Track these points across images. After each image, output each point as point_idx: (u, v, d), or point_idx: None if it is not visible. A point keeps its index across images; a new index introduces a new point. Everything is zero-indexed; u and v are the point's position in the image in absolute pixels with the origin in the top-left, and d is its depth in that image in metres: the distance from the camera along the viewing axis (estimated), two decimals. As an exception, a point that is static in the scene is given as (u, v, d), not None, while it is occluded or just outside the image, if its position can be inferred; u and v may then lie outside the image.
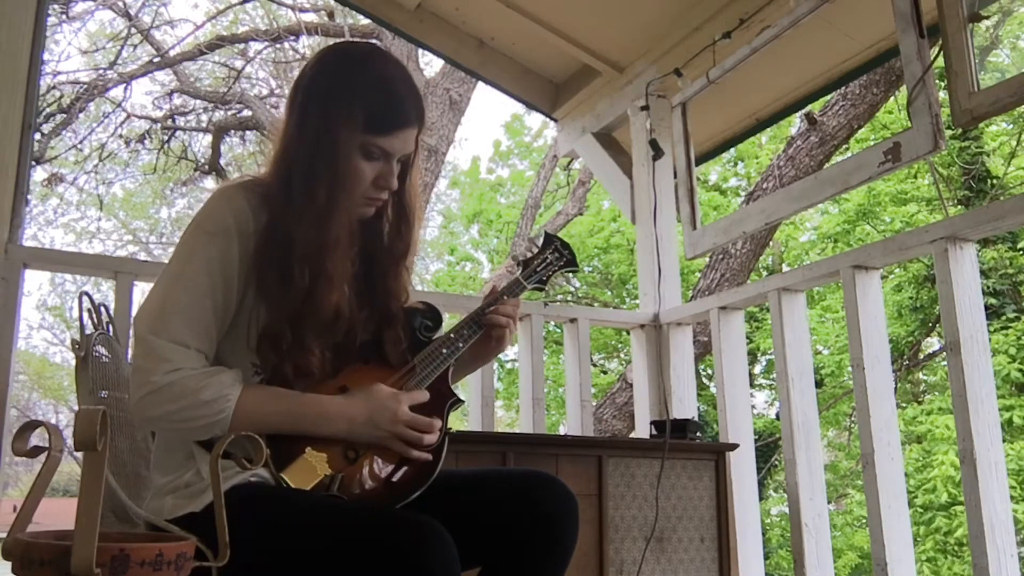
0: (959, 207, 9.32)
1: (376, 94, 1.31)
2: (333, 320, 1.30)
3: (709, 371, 7.96)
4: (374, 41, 7.62)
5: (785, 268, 11.22)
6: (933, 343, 10.27)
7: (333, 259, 1.28)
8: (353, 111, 1.29)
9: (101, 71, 8.58)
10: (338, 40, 1.73)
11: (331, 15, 8.29)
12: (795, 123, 7.04)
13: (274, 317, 1.26)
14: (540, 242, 1.58)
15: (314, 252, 1.27)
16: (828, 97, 5.10)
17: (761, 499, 5.26)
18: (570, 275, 10.77)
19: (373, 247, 1.40)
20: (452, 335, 1.41)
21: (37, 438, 0.91)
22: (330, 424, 1.27)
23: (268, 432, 1.21)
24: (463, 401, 1.41)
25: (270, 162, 1.35)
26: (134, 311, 2.19)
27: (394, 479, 1.31)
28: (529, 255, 1.56)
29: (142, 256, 11.86)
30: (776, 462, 10.13)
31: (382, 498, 1.29)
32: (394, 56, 1.44)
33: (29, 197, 2.34)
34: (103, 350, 1.43)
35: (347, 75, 1.33)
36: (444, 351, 1.39)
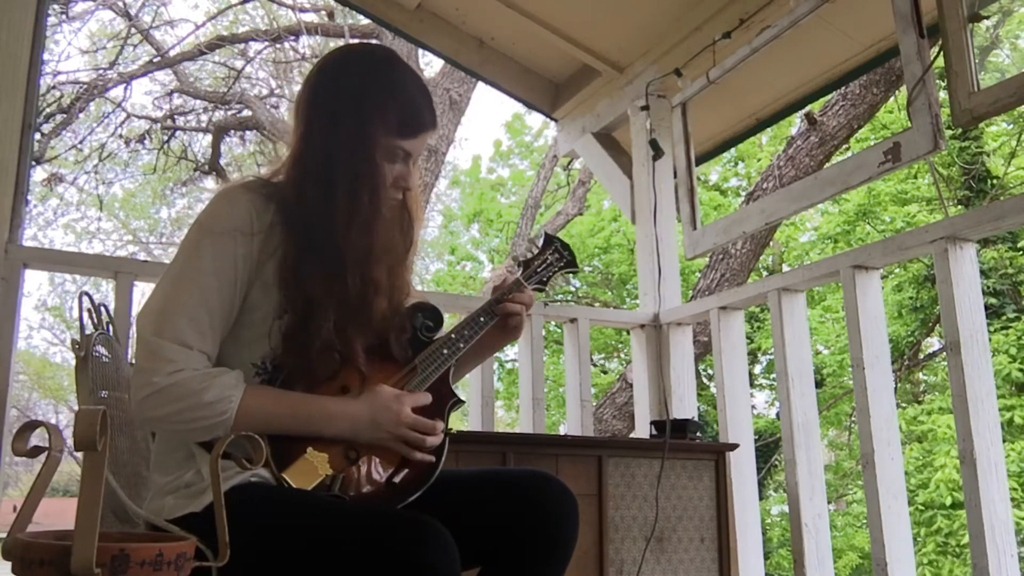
0: (959, 207, 9.32)
1: (405, 97, 1.33)
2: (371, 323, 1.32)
3: (709, 371, 7.95)
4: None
5: (785, 268, 11.22)
6: (933, 343, 10.27)
7: (380, 267, 1.31)
8: (386, 113, 1.30)
9: (101, 71, 8.57)
10: (352, 42, 1.74)
11: (331, 15, 8.28)
12: (795, 123, 7.04)
13: (321, 326, 1.26)
14: (540, 243, 1.58)
15: (361, 259, 1.28)
16: (828, 97, 5.10)
17: (761, 499, 5.25)
18: (570, 276, 10.76)
19: None
20: (453, 335, 1.41)
21: (37, 438, 0.91)
22: (333, 424, 1.27)
23: (271, 433, 1.21)
24: (463, 402, 1.41)
25: (292, 157, 1.33)
26: (134, 311, 2.19)
27: (395, 479, 1.31)
28: (529, 255, 1.57)
29: (142, 256, 11.83)
30: (776, 462, 10.13)
31: (383, 498, 1.29)
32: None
33: (29, 197, 2.34)
34: (103, 350, 1.43)
35: (377, 75, 1.33)
36: (445, 351, 1.39)
